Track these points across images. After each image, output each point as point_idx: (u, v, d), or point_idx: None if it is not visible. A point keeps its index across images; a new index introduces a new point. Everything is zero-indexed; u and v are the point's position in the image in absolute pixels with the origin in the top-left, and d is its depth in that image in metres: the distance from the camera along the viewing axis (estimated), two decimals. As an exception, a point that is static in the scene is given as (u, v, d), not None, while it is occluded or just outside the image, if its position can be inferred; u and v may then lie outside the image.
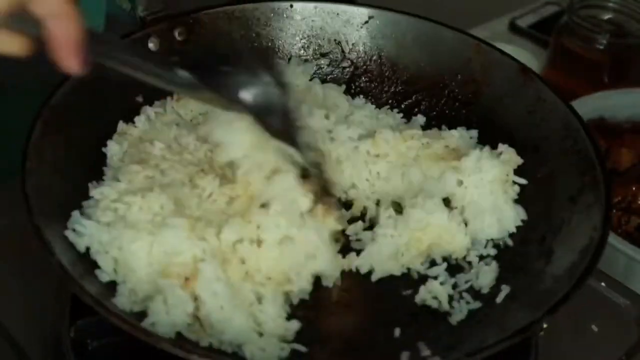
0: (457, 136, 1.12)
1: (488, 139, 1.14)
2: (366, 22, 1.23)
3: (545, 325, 1.00)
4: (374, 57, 1.24)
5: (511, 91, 1.16)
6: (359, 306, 0.99)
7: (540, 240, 1.02)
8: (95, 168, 1.02)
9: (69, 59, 0.76)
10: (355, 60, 1.24)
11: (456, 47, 1.20)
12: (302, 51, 1.23)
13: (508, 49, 1.67)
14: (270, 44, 1.22)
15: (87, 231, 0.90)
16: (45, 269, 0.86)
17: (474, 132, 1.15)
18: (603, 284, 1.08)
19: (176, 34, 1.13)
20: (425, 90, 1.22)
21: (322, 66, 1.24)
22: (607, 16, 1.63)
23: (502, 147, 1.08)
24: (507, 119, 1.15)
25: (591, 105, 1.47)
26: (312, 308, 0.95)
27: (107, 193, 0.94)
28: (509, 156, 1.07)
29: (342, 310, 0.97)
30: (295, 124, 0.94)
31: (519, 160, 1.07)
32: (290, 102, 0.92)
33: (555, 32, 1.62)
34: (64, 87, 0.99)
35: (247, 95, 0.89)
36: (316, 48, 1.24)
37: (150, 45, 1.11)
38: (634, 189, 1.31)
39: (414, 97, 1.23)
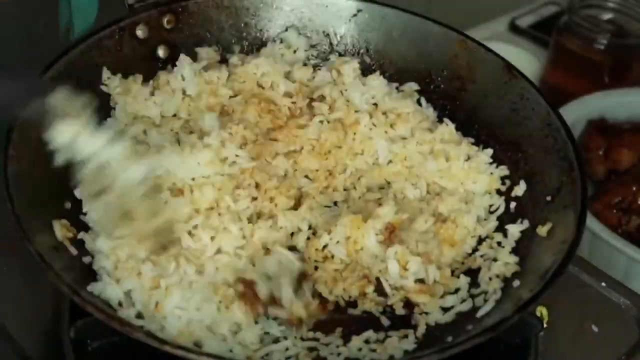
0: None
1: (471, 136, 1.15)
2: (355, 15, 1.23)
3: (545, 325, 1.00)
4: (362, 50, 1.24)
5: (495, 88, 1.15)
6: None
7: (518, 240, 1.02)
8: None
9: None
10: (343, 53, 1.24)
11: (443, 43, 1.20)
12: (290, 42, 1.23)
13: (508, 49, 1.69)
14: (258, 34, 1.22)
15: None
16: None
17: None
18: (603, 284, 1.08)
19: (164, 22, 1.12)
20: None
21: (310, 58, 1.24)
22: (607, 16, 1.63)
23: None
24: (491, 116, 1.15)
25: (591, 105, 1.47)
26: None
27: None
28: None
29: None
30: None
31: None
32: None
33: (555, 32, 1.62)
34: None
35: None
36: (304, 39, 1.24)
37: (138, 32, 1.10)
38: (634, 189, 1.31)
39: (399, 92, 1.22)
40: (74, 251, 0.91)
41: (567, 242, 0.93)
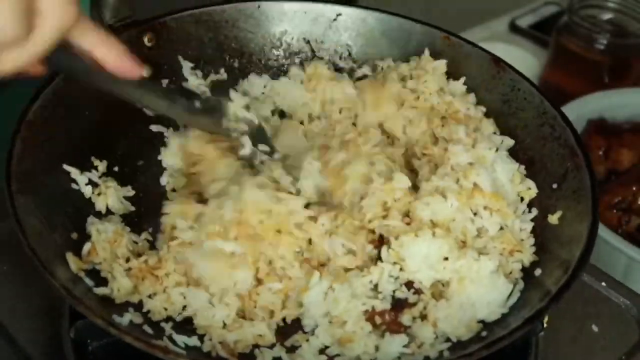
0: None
1: None
2: (334, 19, 1.22)
3: (545, 325, 1.00)
4: (344, 54, 1.24)
5: (485, 82, 1.16)
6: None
7: (530, 229, 1.02)
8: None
9: (130, 69, 0.85)
10: (325, 58, 1.24)
11: (425, 41, 1.19)
12: (272, 51, 1.23)
13: (508, 49, 1.69)
14: (239, 46, 1.20)
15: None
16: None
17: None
18: (603, 284, 1.08)
19: (145, 40, 1.12)
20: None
21: (292, 64, 1.23)
22: (607, 16, 1.63)
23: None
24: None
25: (591, 105, 1.47)
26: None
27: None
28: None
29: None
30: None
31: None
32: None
33: (555, 32, 1.62)
34: (39, 101, 0.98)
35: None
36: (286, 47, 1.23)
37: None
38: (634, 189, 1.31)
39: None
40: (90, 282, 0.90)
41: (584, 229, 0.93)
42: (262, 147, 1.03)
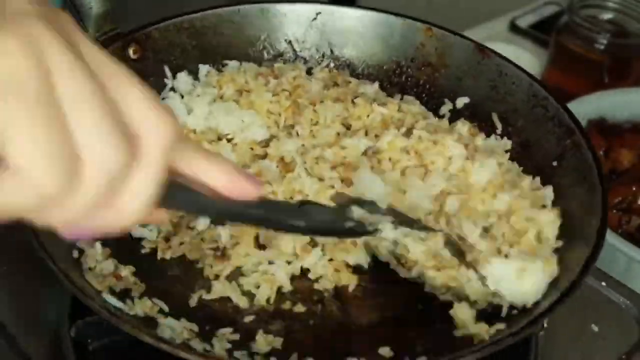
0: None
1: (453, 118, 1.17)
2: (314, 19, 1.23)
3: (545, 325, 1.00)
4: (327, 53, 1.25)
5: (470, 70, 1.18)
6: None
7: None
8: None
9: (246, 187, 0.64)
10: (308, 58, 1.25)
11: (407, 34, 1.21)
12: (256, 54, 1.23)
13: (508, 49, 1.69)
14: (223, 51, 1.21)
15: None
16: (45, 269, 0.86)
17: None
18: (603, 283, 1.08)
19: (130, 52, 1.12)
20: (382, 79, 1.23)
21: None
22: (607, 16, 1.63)
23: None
24: (470, 97, 1.17)
25: (591, 105, 1.47)
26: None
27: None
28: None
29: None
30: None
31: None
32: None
33: (555, 32, 1.62)
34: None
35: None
36: (269, 50, 1.24)
37: None
38: (634, 189, 1.31)
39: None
40: (115, 301, 0.89)
41: (596, 200, 0.95)
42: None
